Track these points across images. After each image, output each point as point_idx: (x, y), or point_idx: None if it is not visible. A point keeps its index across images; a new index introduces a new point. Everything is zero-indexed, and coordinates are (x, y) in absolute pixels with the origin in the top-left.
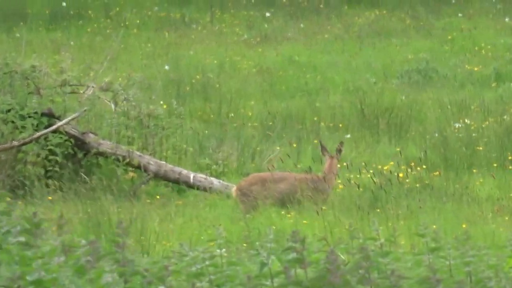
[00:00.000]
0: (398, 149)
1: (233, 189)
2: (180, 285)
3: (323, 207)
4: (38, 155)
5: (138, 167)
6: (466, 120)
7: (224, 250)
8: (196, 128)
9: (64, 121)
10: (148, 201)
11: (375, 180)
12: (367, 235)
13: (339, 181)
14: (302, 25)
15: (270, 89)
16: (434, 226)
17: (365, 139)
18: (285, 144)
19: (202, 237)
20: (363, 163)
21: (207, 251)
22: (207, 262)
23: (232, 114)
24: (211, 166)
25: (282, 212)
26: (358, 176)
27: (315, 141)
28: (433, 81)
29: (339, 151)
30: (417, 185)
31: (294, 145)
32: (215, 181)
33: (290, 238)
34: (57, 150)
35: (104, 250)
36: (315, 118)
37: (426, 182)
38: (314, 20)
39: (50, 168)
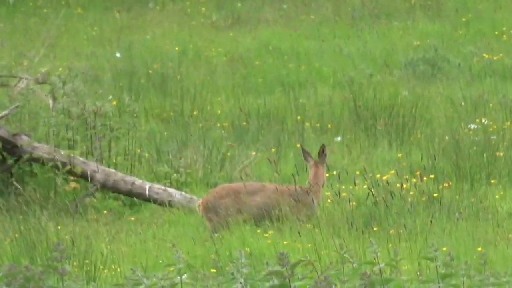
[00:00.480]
0: (400, 155)
1: (198, 202)
2: None
3: (308, 225)
4: None
5: (81, 176)
6: (483, 120)
7: (186, 276)
8: (153, 129)
9: None
10: (94, 217)
11: (372, 193)
12: (363, 259)
13: (327, 193)
14: (284, 6)
15: (243, 82)
16: (445, 248)
17: (359, 142)
18: (262, 148)
19: (160, 261)
20: (357, 172)
21: (166, 277)
22: None
23: (197, 112)
24: (171, 175)
25: (258, 231)
26: (351, 187)
27: (298, 145)
28: (444, 72)
29: (322, 155)
30: (423, 199)
31: (273, 150)
32: (175, 193)
33: (278, 260)
34: None
35: (36, 276)
36: (299, 118)
37: (435, 195)
38: None
39: None
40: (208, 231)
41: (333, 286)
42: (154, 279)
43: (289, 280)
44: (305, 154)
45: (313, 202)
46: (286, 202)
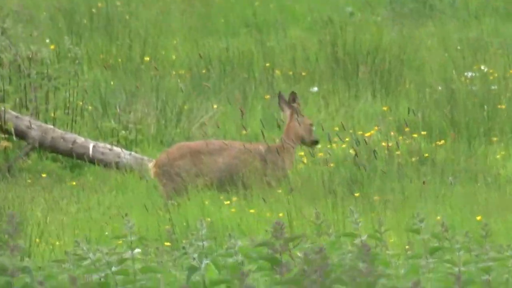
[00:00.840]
0: (386, 108)
1: (151, 164)
2: None
3: (279, 191)
4: None
5: (14, 133)
6: (482, 67)
7: (137, 251)
8: (98, 78)
9: None
10: (29, 181)
11: (353, 152)
12: (342, 230)
13: (301, 153)
14: None
15: (202, 23)
16: (438, 218)
17: (338, 94)
18: (225, 101)
19: (107, 233)
20: (336, 128)
21: (113, 252)
22: (113, 268)
23: (149, 59)
24: (118, 132)
25: (220, 198)
26: (328, 146)
27: (267, 97)
28: (436, 11)
29: (292, 104)
30: (413, 159)
31: (238, 103)
32: (124, 153)
33: (272, 229)
34: None
35: None
36: (267, 64)
37: (426, 155)
38: None
39: None
40: (162, 198)
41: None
42: (99, 254)
43: (281, 255)
44: (282, 101)
45: (285, 162)
46: (254, 164)
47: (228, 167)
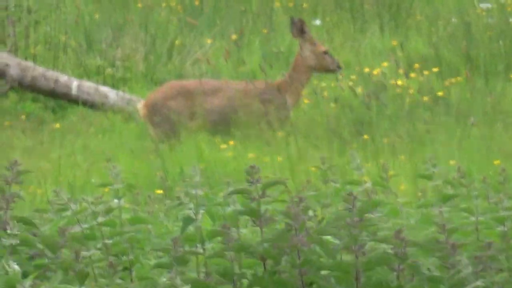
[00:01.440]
0: (395, 43)
1: (140, 105)
2: (62, 254)
3: (280, 134)
4: None
5: None
6: None
7: (125, 199)
8: (81, 11)
9: None
10: (8, 123)
11: (359, 91)
12: (348, 176)
13: (303, 92)
14: None
15: None
16: (452, 162)
17: (343, 27)
18: (219, 35)
19: (93, 180)
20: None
21: (99, 201)
22: (99, 219)
23: None
24: (104, 69)
25: (216, 141)
26: (332, 84)
27: (265, 31)
28: None
29: (302, 33)
30: (425, 98)
31: (234, 37)
32: (110, 92)
33: (245, 175)
34: None
35: None
36: None
37: (439, 94)
38: None
39: None
40: (153, 141)
41: (311, 211)
42: (84, 203)
43: (259, 204)
44: (294, 29)
45: (286, 101)
46: (253, 104)
47: (224, 108)
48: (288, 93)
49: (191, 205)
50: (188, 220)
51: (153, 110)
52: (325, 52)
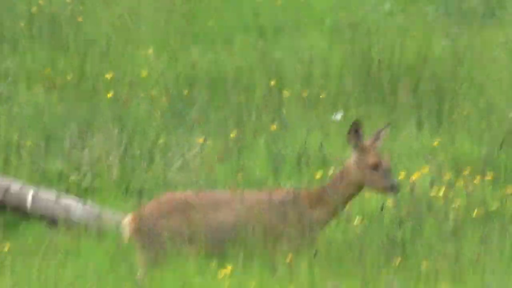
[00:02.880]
0: (437, 143)
1: (127, 219)
2: None
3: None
4: None
5: None
6: None
7: None
8: (40, 101)
9: None
10: None
11: (391, 202)
12: None
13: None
14: None
15: (183, 28)
16: None
17: (371, 122)
18: (214, 133)
19: None
20: None
21: None
22: None
23: (110, 76)
24: (68, 176)
25: (213, 265)
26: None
27: (273, 127)
28: (505, 9)
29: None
30: (477, 212)
31: (232, 136)
32: (76, 205)
33: None
34: None
35: None
36: (272, 83)
37: (492, 208)
38: None
39: None
40: (138, 265)
41: None
42: None
43: None
44: (353, 134)
45: (313, 216)
46: (270, 217)
47: (233, 227)
48: (318, 208)
49: None
50: None
51: (142, 228)
52: (376, 165)
